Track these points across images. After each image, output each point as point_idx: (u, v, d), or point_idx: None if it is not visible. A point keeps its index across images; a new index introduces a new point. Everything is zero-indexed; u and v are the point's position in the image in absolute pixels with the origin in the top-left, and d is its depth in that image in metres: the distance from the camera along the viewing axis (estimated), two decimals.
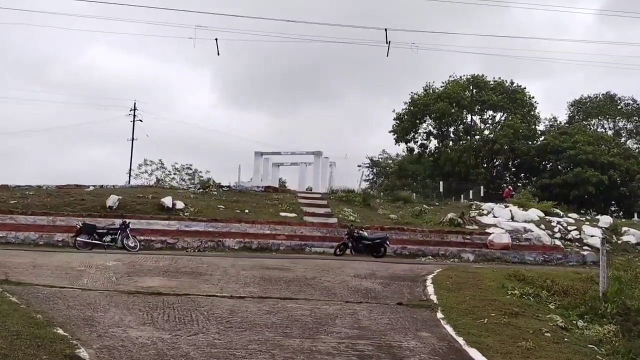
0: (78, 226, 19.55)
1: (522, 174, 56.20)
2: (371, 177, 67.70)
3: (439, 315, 9.67)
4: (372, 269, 13.79)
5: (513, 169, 56.36)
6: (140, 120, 53.72)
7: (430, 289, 11.58)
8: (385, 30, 18.85)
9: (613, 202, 50.75)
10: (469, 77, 55.79)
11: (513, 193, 38.35)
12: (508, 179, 57.16)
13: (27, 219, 22.60)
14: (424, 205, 31.38)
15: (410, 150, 57.89)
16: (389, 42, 19.20)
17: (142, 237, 21.24)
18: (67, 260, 12.67)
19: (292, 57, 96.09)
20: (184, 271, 12.13)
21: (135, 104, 54.04)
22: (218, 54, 20.72)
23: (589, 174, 45.54)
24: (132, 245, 19.36)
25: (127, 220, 20.35)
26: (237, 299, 9.84)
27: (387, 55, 19.96)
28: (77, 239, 19.21)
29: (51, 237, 21.48)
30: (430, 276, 13.00)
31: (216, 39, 21.15)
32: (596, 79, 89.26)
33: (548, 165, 52.07)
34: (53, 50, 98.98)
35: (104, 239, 19.40)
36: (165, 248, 21.60)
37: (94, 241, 19.25)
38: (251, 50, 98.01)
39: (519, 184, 54.70)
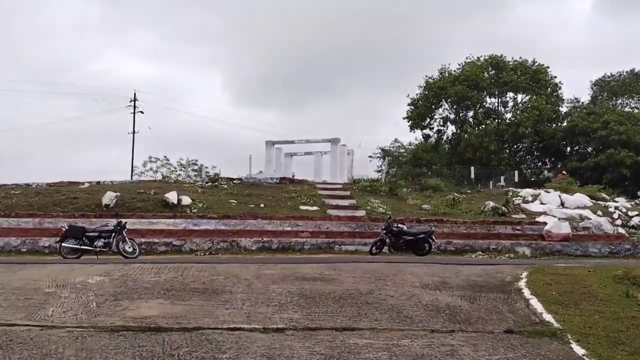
0: (63, 229, 16.19)
1: (547, 158, 52.92)
2: (384, 167, 64.61)
3: (577, 349, 6.46)
4: (437, 274, 10.55)
5: (537, 153, 53.02)
6: (142, 112, 50.57)
7: (535, 303, 8.36)
8: None
9: None
10: (487, 57, 52.37)
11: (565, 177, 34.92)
12: (532, 164, 54.03)
13: (9, 222, 19.55)
14: (455, 194, 28.41)
15: (426, 137, 54.79)
16: None
17: (142, 240, 18.17)
18: (35, 277, 9.43)
19: (299, 51, 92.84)
20: (193, 288, 8.89)
21: (135, 94, 50.77)
22: None
23: (623, 155, 42.34)
24: (130, 250, 16.00)
25: (123, 220, 16.97)
26: (274, 333, 6.64)
27: None
28: (63, 244, 15.84)
29: (36, 242, 18.45)
30: (522, 283, 9.77)
31: None
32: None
33: (575, 148, 48.84)
34: (64, 55, 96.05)
35: (95, 243, 15.98)
36: (171, 251, 18.50)
37: (82, 247, 15.88)
38: (258, 46, 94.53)
39: (544, 169, 51.61)
